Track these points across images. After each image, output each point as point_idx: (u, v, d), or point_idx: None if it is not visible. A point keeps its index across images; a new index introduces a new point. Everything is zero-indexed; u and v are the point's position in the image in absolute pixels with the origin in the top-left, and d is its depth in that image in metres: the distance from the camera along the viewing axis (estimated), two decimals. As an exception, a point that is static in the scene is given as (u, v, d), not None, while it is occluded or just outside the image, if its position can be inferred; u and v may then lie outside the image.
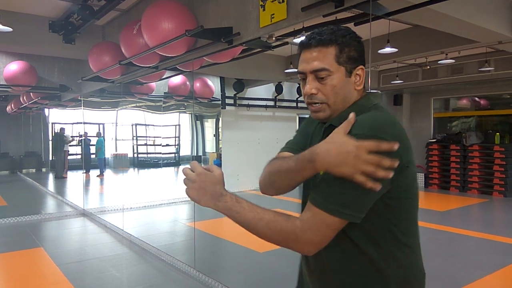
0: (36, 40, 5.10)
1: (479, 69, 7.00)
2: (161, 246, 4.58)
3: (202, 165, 1.04)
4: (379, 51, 5.25)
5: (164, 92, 8.39)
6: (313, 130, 1.21)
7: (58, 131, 11.19)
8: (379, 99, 1.10)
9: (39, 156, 12.92)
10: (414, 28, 5.47)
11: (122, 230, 5.32)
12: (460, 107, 10.14)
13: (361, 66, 1.07)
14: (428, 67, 7.08)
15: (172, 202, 7.74)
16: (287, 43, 4.03)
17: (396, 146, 0.89)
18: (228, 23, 3.15)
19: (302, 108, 10.00)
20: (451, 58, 6.35)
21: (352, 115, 0.96)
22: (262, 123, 9.37)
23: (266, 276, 3.91)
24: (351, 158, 0.88)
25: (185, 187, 1.03)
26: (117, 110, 10.59)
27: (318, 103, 1.06)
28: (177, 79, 7.42)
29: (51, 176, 11.78)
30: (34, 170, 12.80)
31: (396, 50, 5.26)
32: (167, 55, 3.71)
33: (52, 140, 11.98)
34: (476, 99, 9.72)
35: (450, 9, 3.68)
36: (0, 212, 6.57)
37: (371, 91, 1.00)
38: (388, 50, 5.14)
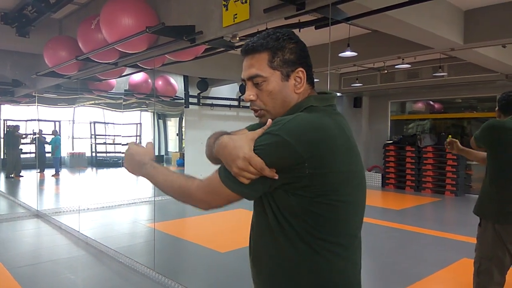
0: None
1: (433, 74, 7.35)
2: (119, 248, 4.46)
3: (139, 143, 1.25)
4: (339, 55, 5.38)
5: (125, 90, 8.19)
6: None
7: (11, 129, 10.62)
8: (326, 101, 1.06)
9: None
10: (373, 33, 5.65)
11: (78, 232, 5.13)
12: (416, 110, 10.59)
13: (301, 68, 1.06)
14: (386, 71, 7.33)
15: (132, 203, 7.56)
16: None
17: (274, 176, 0.94)
18: (190, 21, 3.11)
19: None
20: (407, 63, 6.62)
21: (269, 121, 0.99)
22: (226, 123, 9.34)
23: (228, 276, 3.91)
24: (236, 163, 0.94)
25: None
26: (74, 107, 10.20)
27: (258, 109, 1.08)
28: (138, 77, 7.26)
29: (2, 176, 11.16)
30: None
31: (356, 54, 5.41)
32: (127, 51, 3.62)
33: (3, 137, 11.36)
34: (431, 102, 10.18)
35: (406, 16, 3.84)
36: None
37: (327, 91, 1.12)
38: (348, 54, 5.28)
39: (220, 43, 3.22)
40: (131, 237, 5.57)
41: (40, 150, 10.35)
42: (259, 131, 0.97)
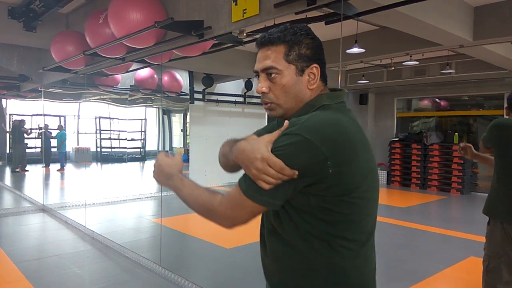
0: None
1: (441, 72, 7.29)
2: (125, 243, 4.47)
3: (168, 154, 1.23)
4: (347, 51, 5.35)
5: (130, 85, 8.18)
6: (277, 124, 1.21)
7: (17, 123, 10.65)
8: (337, 98, 1.06)
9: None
10: (381, 30, 5.60)
11: (84, 226, 5.15)
12: (422, 108, 10.52)
13: (315, 65, 1.05)
14: (393, 68, 7.29)
15: (137, 198, 7.58)
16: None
17: (294, 175, 0.91)
18: (199, 16, 3.10)
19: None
20: (415, 60, 6.57)
21: (286, 123, 0.97)
22: (231, 119, 9.33)
23: (234, 272, 3.91)
24: (254, 165, 0.93)
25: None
26: (79, 102, 10.23)
27: (269, 102, 1.06)
28: (144, 72, 7.25)
29: (8, 170, 11.21)
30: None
31: (364, 50, 5.37)
32: (134, 46, 3.61)
33: (10, 132, 11.40)
34: (437, 100, 10.12)
35: (416, 12, 3.80)
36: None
37: (337, 88, 1.12)
38: (356, 50, 5.25)
39: (229, 38, 3.20)
40: (137, 232, 5.59)
41: (46, 145, 10.40)
42: (276, 133, 0.96)
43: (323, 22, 2.95)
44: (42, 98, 6.97)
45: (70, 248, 4.53)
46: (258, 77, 1.08)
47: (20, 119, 10.77)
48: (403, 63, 6.96)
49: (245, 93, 9.45)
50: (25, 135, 10.59)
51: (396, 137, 10.02)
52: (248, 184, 0.95)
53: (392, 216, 6.29)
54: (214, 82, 8.89)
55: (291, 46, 1.03)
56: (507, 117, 2.56)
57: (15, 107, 11.58)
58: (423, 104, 10.46)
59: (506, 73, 6.96)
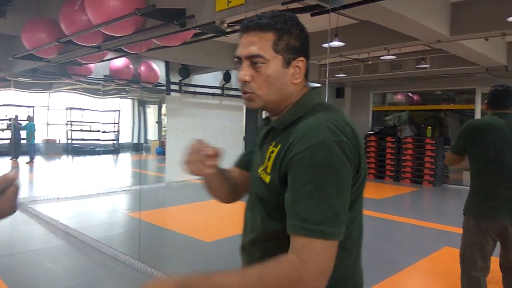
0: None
1: (417, 66, 7.43)
2: (100, 237, 4.35)
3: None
4: (326, 45, 5.33)
5: (104, 75, 7.93)
6: (260, 129, 1.14)
7: None
8: (321, 95, 1.03)
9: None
10: (359, 24, 5.64)
11: (57, 221, 4.98)
12: (395, 102, 10.74)
13: (302, 58, 0.99)
14: (370, 62, 7.37)
15: (112, 192, 7.40)
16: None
17: None
18: (181, 4, 3.00)
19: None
20: (392, 55, 6.66)
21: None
22: (208, 111, 9.23)
23: (214, 266, 3.87)
24: None
25: None
26: (49, 93, 9.86)
27: (250, 92, 0.98)
28: (120, 62, 7.05)
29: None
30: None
31: (343, 44, 5.39)
32: (112, 34, 3.47)
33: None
34: (410, 94, 10.34)
35: (397, 6, 3.83)
36: None
37: (314, 84, 1.09)
38: (336, 44, 5.26)
39: (212, 28, 3.13)
40: (113, 226, 5.45)
41: (15, 137, 9.98)
42: None
43: (309, 14, 2.92)
44: (12, 88, 6.66)
45: (43, 244, 4.37)
46: (240, 63, 0.99)
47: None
48: (381, 58, 7.05)
49: (223, 85, 9.35)
50: None
51: (371, 131, 10.19)
52: (316, 221, 0.81)
53: (367, 207, 6.38)
54: (191, 73, 8.75)
55: (280, 35, 0.95)
56: (487, 112, 2.62)
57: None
58: (397, 98, 10.67)
59: (478, 68, 7.18)
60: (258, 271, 0.82)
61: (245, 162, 1.22)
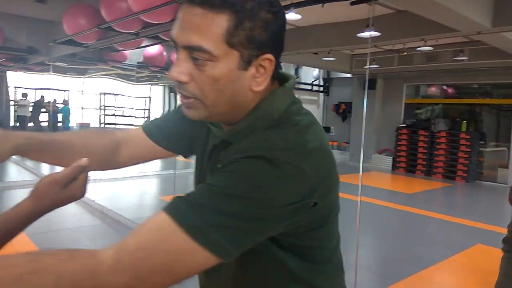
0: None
1: (454, 58, 7.20)
2: (135, 218, 4.50)
3: None
4: (360, 35, 5.23)
5: (138, 62, 8.10)
6: (197, 132, 0.86)
7: (40, 100, 10.59)
8: (291, 93, 0.74)
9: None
10: (396, 14, 5.50)
11: (93, 201, 5.18)
12: (429, 95, 10.45)
13: (269, 56, 0.67)
14: (406, 53, 7.19)
15: (144, 175, 7.60)
16: None
17: None
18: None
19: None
20: (429, 46, 6.48)
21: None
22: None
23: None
24: None
25: None
26: (84, 78, 10.17)
27: (189, 97, 0.67)
28: (154, 49, 7.17)
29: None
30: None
31: (380, 34, 5.28)
32: (151, 21, 3.55)
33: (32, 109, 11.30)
34: (444, 87, 10.04)
35: (438, -5, 3.72)
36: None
37: (284, 73, 0.74)
38: (370, 34, 5.15)
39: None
40: (145, 208, 5.63)
41: (53, 120, 10.39)
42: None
43: (346, 2, 2.88)
44: (51, 72, 6.92)
45: (80, 222, 4.57)
46: (176, 49, 0.67)
47: (40, 95, 10.69)
48: (417, 49, 6.86)
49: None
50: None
51: (403, 123, 9.98)
52: (200, 219, 0.58)
53: (397, 201, 6.32)
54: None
55: (240, 20, 0.62)
56: None
57: (19, 80, 11.49)
58: (431, 91, 10.38)
59: (519, 61, 6.88)
60: (40, 260, 0.57)
61: (159, 134, 0.91)
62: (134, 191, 6.82)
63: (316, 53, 7.57)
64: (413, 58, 8.24)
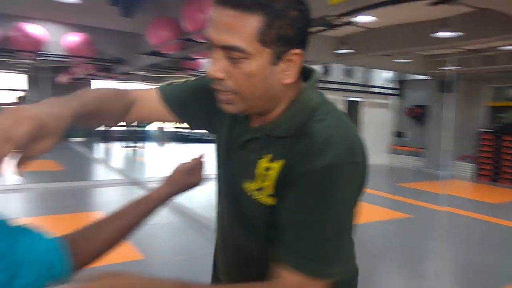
0: (95, 12, 5.24)
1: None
2: (213, 217, 4.69)
3: None
4: (437, 34, 4.99)
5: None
6: (216, 113, 0.85)
7: None
8: (317, 89, 0.80)
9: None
10: (476, 12, 5.17)
11: (173, 199, 5.49)
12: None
13: (298, 50, 0.72)
14: (487, 53, 6.71)
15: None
16: (349, 22, 3.91)
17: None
18: None
19: (350, 91, 9.84)
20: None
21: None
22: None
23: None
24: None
25: None
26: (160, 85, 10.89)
27: (227, 92, 0.73)
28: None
29: (102, 145, 12.25)
30: (82, 139, 13.25)
31: (461, 34, 5.01)
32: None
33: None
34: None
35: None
36: (57, 176, 6.98)
37: (307, 67, 0.80)
38: (447, 34, 4.90)
39: (319, 22, 3.18)
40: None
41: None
42: None
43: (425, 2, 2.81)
44: (134, 81, 7.50)
45: (160, 219, 4.85)
46: (210, 49, 0.72)
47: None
48: (498, 48, 6.37)
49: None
50: None
51: (485, 128, 9.28)
52: (324, 260, 0.70)
53: (481, 212, 5.90)
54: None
55: (271, 21, 0.67)
56: None
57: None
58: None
59: None
60: None
61: (175, 103, 0.95)
62: (211, 192, 7.11)
63: (388, 55, 7.35)
64: (496, 58, 7.65)
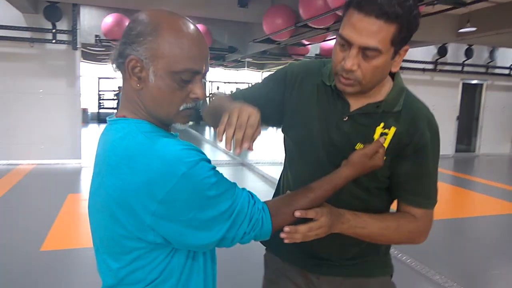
0: (214, 4, 5.58)
1: None
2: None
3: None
4: None
5: (316, 54, 8.48)
6: (314, 96, 1.06)
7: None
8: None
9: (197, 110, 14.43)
10: None
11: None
12: None
13: (407, 46, 0.93)
14: None
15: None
16: None
17: None
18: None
19: (468, 72, 9.04)
20: None
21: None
22: (416, 88, 8.74)
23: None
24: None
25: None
26: (262, 72, 11.14)
27: (353, 80, 0.92)
28: (333, 42, 7.40)
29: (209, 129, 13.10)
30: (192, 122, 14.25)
31: None
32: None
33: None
34: None
35: None
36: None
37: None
38: None
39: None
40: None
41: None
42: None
43: None
44: (245, 68, 7.87)
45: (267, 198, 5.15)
46: (345, 45, 0.90)
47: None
48: None
49: (436, 59, 8.71)
50: None
51: None
52: (430, 200, 1.05)
53: None
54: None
55: (401, 29, 0.86)
56: None
57: (217, 75, 13.33)
58: None
59: None
60: (395, 224, 1.03)
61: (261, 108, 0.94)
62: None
63: (518, 32, 6.57)
64: None
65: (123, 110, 0.85)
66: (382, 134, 0.99)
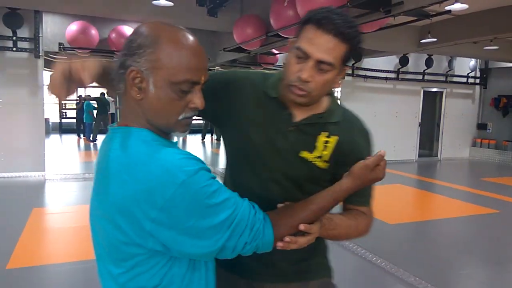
0: (185, 13, 5.52)
1: None
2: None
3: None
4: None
5: (284, 63, 8.61)
6: (240, 106, 1.11)
7: None
8: None
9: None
10: None
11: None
12: None
13: (348, 67, 1.08)
14: None
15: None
16: (449, 11, 3.73)
17: None
18: (388, -7, 3.13)
19: (429, 81, 9.44)
20: None
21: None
22: (380, 96, 9.06)
23: (396, 248, 3.95)
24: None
25: None
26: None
27: (306, 91, 0.99)
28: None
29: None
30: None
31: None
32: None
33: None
34: None
35: None
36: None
37: None
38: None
39: (417, 13, 3.17)
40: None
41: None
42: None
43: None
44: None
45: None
46: (302, 58, 0.97)
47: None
48: None
49: (398, 69, 9.05)
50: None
51: None
52: (370, 200, 1.17)
53: None
54: (363, 57, 8.63)
55: (350, 49, 0.98)
56: None
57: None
58: None
59: None
60: (355, 222, 1.11)
61: None
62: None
63: (475, 42, 6.96)
64: None
65: (125, 119, 0.85)
66: (325, 142, 1.07)
